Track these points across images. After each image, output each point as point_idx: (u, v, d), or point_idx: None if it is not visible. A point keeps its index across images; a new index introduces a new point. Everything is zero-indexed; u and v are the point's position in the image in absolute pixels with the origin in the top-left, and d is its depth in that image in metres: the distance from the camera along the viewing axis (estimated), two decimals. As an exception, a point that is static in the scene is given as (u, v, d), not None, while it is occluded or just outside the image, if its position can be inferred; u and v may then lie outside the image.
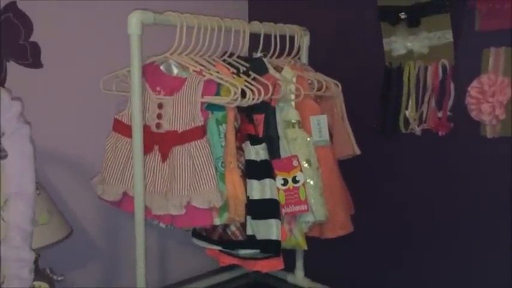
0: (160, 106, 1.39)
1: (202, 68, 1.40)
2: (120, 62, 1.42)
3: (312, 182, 1.48)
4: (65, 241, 1.37)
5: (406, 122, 1.61)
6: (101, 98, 1.46)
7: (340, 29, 1.77)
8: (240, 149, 1.42)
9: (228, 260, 1.52)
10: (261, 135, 1.46)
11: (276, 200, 1.41)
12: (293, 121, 1.51)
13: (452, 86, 1.52)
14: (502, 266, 1.48)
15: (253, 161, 1.41)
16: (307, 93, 1.54)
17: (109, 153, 1.44)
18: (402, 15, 1.56)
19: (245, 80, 1.42)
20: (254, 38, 1.57)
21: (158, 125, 1.40)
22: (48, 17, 1.48)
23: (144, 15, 1.30)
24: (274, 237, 1.37)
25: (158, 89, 1.41)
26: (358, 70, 1.71)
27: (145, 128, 1.37)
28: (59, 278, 1.37)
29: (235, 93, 1.33)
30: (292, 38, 1.67)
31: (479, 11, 1.44)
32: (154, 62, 1.42)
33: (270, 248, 1.39)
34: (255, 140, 1.43)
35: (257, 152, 1.42)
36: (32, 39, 1.46)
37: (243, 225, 1.41)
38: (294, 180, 1.43)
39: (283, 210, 1.42)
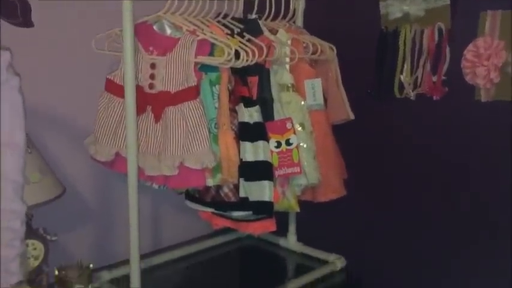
0: (153, 66, 1.38)
1: (195, 28, 1.38)
2: (113, 22, 1.39)
3: (305, 146, 1.48)
4: (57, 202, 1.36)
5: (401, 86, 1.61)
6: (94, 57, 1.44)
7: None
8: (233, 111, 1.40)
9: (220, 222, 1.52)
10: (254, 97, 1.45)
11: (269, 162, 1.40)
12: (288, 84, 1.50)
13: (447, 49, 1.51)
14: (499, 227, 1.50)
15: (246, 123, 1.40)
16: (302, 56, 1.53)
17: (101, 113, 1.42)
18: (400, -23, 1.54)
19: (239, 41, 1.40)
20: (249, 0, 1.54)
21: (151, 86, 1.38)
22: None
23: (137, -28, 1.27)
24: (266, 199, 1.38)
25: (151, 48, 1.38)
26: (354, 34, 1.68)
27: (138, 89, 1.35)
28: (53, 238, 1.37)
29: (229, 54, 1.31)
30: (287, 1, 1.64)
31: (477, -26, 1.43)
32: (146, 21, 1.40)
33: (263, 209, 1.39)
34: (248, 102, 1.42)
35: (251, 114, 1.41)
36: (22, -3, 1.42)
37: (236, 187, 1.42)
38: (288, 143, 1.43)
39: (276, 173, 1.42)
